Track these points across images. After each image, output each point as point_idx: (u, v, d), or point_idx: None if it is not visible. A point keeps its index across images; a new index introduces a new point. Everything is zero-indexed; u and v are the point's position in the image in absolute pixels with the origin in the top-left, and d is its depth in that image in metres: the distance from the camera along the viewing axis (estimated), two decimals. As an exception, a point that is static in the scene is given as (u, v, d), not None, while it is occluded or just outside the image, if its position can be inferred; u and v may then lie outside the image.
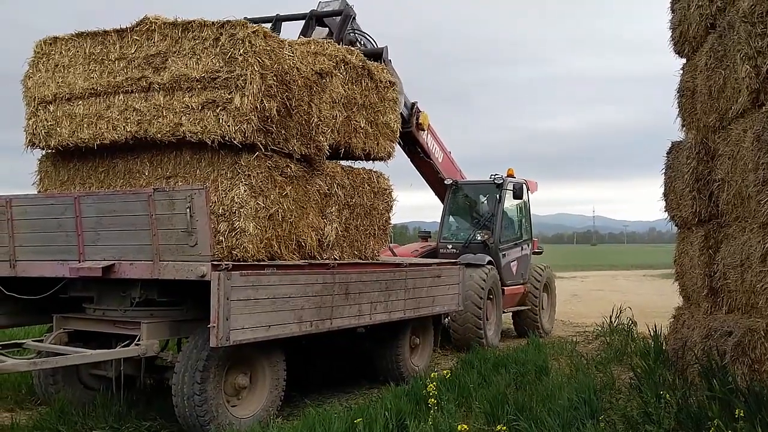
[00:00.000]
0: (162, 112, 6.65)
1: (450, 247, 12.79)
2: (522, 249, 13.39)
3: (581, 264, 50.18)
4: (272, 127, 6.62)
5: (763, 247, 5.78)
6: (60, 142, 7.20)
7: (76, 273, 6.46)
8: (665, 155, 8.26)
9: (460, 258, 11.40)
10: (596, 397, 6.56)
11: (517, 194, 12.84)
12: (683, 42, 8.01)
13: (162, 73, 6.68)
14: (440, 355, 11.01)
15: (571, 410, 6.08)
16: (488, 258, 11.98)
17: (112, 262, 6.27)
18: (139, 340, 6.25)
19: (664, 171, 8.28)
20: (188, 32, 6.63)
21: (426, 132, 12.24)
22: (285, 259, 6.85)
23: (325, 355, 9.21)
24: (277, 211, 6.75)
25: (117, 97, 6.91)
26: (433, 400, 6.28)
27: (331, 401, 7.82)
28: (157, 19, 6.81)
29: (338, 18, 9.72)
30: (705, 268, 7.19)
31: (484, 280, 11.42)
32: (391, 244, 11.29)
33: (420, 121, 11.87)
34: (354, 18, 9.86)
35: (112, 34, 7.02)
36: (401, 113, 10.02)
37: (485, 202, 13.49)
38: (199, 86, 6.50)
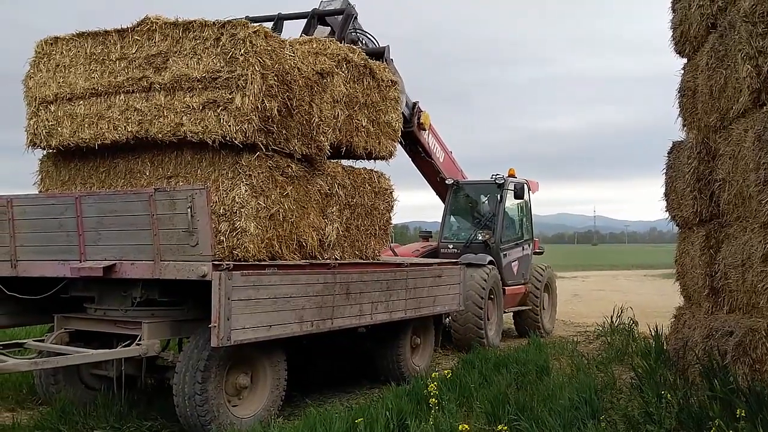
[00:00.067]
0: (163, 112, 6.66)
1: (451, 246, 12.79)
2: (523, 249, 13.39)
3: (582, 264, 50.15)
4: (273, 127, 6.63)
5: (764, 247, 5.78)
6: (61, 142, 7.21)
7: (77, 273, 6.46)
8: (666, 155, 8.26)
9: (461, 258, 11.39)
10: (597, 397, 6.56)
11: (518, 194, 12.85)
12: (684, 42, 8.00)
13: (163, 73, 6.68)
14: (441, 355, 11.01)
15: (572, 410, 6.08)
16: (489, 258, 11.98)
17: (113, 261, 6.27)
18: (140, 339, 6.25)
19: (664, 171, 8.28)
20: (189, 32, 6.63)
21: (427, 132, 12.24)
22: (286, 259, 6.85)
23: (326, 355, 9.22)
24: (278, 210, 6.76)
25: (118, 97, 6.92)
26: (434, 399, 6.28)
27: (332, 401, 7.82)
28: (158, 19, 6.81)
29: (340, 17, 9.73)
30: (706, 268, 7.19)
31: (485, 280, 11.42)
32: (392, 244, 11.30)
33: (421, 121, 11.88)
34: (356, 17, 9.87)
35: (113, 34, 7.02)
36: (403, 113, 10.02)
37: (486, 202, 13.49)
38: (200, 86, 6.50)
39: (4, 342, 7.14)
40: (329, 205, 7.61)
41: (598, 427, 5.64)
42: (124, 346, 6.31)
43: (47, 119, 7.27)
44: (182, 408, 6.08)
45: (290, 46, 7.05)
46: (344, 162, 8.39)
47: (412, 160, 12.78)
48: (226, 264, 5.86)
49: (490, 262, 11.91)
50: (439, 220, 13.41)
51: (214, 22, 6.55)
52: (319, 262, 7.24)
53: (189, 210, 5.80)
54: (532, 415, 6.07)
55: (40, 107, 7.33)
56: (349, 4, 9.85)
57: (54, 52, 7.35)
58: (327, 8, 9.86)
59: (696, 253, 7.42)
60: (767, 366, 5.76)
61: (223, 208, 6.46)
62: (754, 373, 5.79)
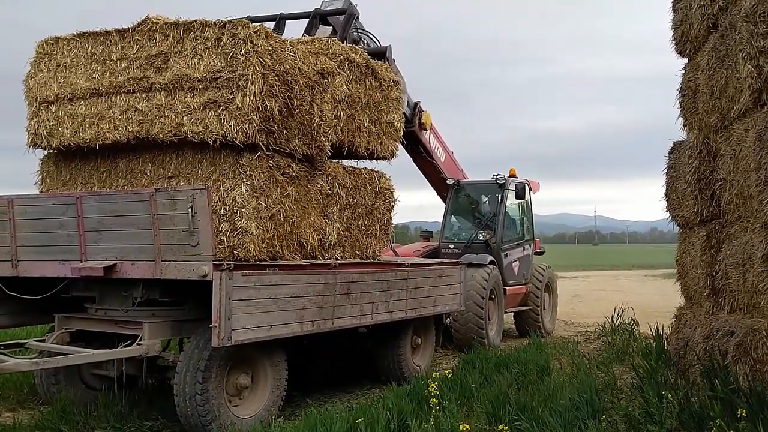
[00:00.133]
0: (164, 112, 6.66)
1: (452, 246, 12.79)
2: (524, 249, 13.39)
3: (583, 264, 50.13)
4: (274, 127, 6.63)
5: (765, 247, 5.78)
6: (62, 142, 7.21)
7: (77, 273, 6.46)
8: (667, 155, 8.26)
9: (462, 258, 11.40)
10: (598, 397, 6.55)
11: (519, 194, 12.85)
12: (685, 42, 8.00)
13: (164, 73, 6.68)
14: (442, 355, 11.01)
15: (573, 410, 6.08)
16: (490, 258, 11.98)
17: (114, 261, 6.28)
18: (140, 339, 6.26)
19: (665, 171, 8.28)
20: (190, 32, 6.63)
21: (428, 132, 12.24)
22: (287, 259, 6.85)
23: (326, 355, 9.22)
24: (279, 211, 6.76)
25: (119, 97, 6.92)
26: (434, 399, 6.28)
27: (332, 401, 7.82)
28: (158, 20, 6.81)
29: (342, 17, 9.73)
30: (707, 268, 7.19)
31: (486, 280, 11.42)
32: (392, 244, 11.30)
33: (422, 121, 11.87)
34: (357, 17, 9.87)
35: (114, 34, 7.03)
36: (404, 113, 10.02)
37: (487, 202, 13.49)
38: (200, 86, 6.51)
39: (5, 342, 7.14)
40: (330, 205, 7.62)
41: (599, 427, 5.64)
42: (125, 346, 6.32)
43: (48, 119, 7.28)
44: (183, 408, 6.08)
45: (291, 46, 7.05)
46: (345, 162, 8.39)
47: (413, 160, 12.78)
48: (227, 264, 5.86)
49: (491, 262, 11.91)
50: (440, 220, 13.42)
51: (214, 22, 6.55)
52: (319, 262, 7.24)
53: (190, 210, 5.80)
54: (532, 415, 6.07)
55: (41, 107, 7.34)
56: (351, 3, 9.85)
57: (55, 52, 7.35)
58: (329, 8, 9.87)
59: (697, 253, 7.42)
60: (768, 366, 5.76)
61: (224, 208, 6.47)
62: (755, 373, 5.79)
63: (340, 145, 7.89)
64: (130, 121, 6.82)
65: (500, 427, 5.48)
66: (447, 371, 7.89)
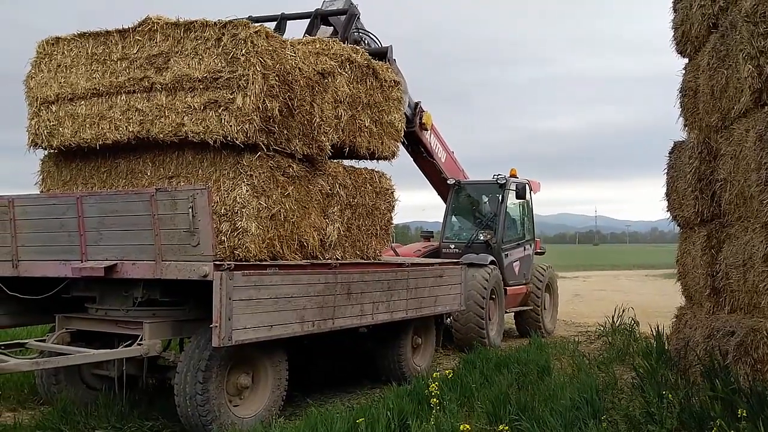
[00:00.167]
0: (164, 112, 6.66)
1: (452, 246, 12.79)
2: (524, 249, 13.39)
3: (583, 264, 50.13)
4: (274, 127, 6.63)
5: (765, 247, 5.78)
6: (62, 142, 7.21)
7: (78, 273, 6.47)
8: (667, 155, 8.26)
9: (463, 258, 11.40)
10: (598, 397, 6.55)
11: (520, 194, 12.85)
12: (685, 42, 8.00)
13: (164, 74, 6.68)
14: (442, 355, 11.01)
15: (574, 410, 6.08)
16: (491, 258, 11.98)
17: (115, 262, 6.28)
18: (141, 339, 6.26)
19: (666, 171, 8.28)
20: (190, 32, 6.63)
21: (429, 132, 12.24)
22: (287, 259, 6.85)
23: (327, 355, 9.22)
24: (279, 211, 6.76)
25: (119, 97, 6.92)
26: (435, 399, 6.28)
27: (333, 401, 7.82)
28: (159, 20, 6.81)
29: (343, 17, 9.73)
30: (707, 268, 7.19)
31: (487, 280, 11.42)
32: (393, 244, 11.30)
33: (423, 121, 11.88)
34: (358, 17, 9.88)
35: (115, 34, 7.03)
36: (405, 113, 10.03)
37: (488, 202, 13.49)
38: (201, 86, 6.51)
39: (6, 342, 7.15)
40: (330, 205, 7.62)
41: (600, 428, 5.63)
42: (126, 346, 6.32)
43: (48, 119, 7.28)
44: (183, 408, 6.09)
45: (291, 46, 7.05)
46: (345, 162, 8.40)
47: (414, 160, 12.78)
48: (228, 264, 5.86)
49: (492, 262, 11.91)
50: (441, 220, 13.41)
51: (215, 23, 6.55)
52: (320, 262, 7.24)
53: (190, 210, 5.80)
54: (533, 415, 6.07)
55: (42, 107, 7.34)
56: (352, 4, 9.86)
57: (55, 53, 7.36)
58: (330, 8, 9.87)
59: (697, 253, 7.42)
60: (769, 366, 5.76)
61: (225, 208, 6.47)
62: (755, 373, 5.78)
63: (341, 146, 7.89)
64: (130, 121, 6.82)
65: (501, 427, 5.48)
66: (447, 371, 7.89)
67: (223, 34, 6.47)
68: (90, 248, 6.45)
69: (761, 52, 5.81)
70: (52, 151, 7.58)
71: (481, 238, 12.60)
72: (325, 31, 9.67)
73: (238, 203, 6.44)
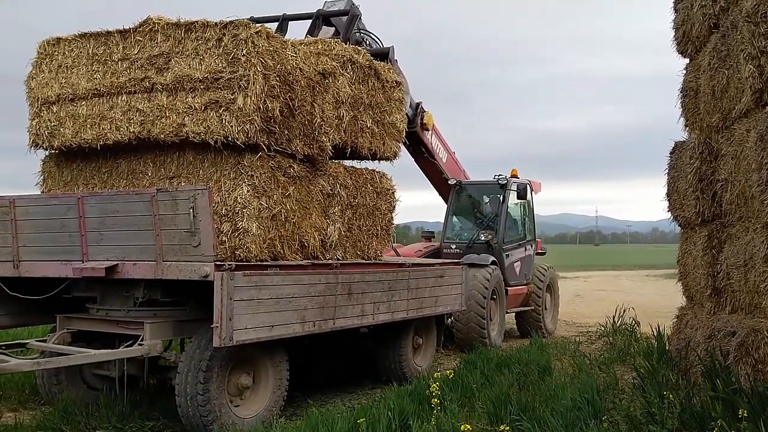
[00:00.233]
0: (165, 113, 6.66)
1: (453, 247, 12.78)
2: (525, 249, 13.38)
3: (584, 264, 50.10)
4: (275, 128, 6.63)
5: (766, 248, 5.78)
6: (63, 143, 7.22)
7: (79, 273, 6.47)
8: (668, 155, 8.26)
9: (464, 258, 11.40)
10: (599, 398, 6.55)
11: (521, 194, 12.84)
12: (686, 42, 8.00)
13: (165, 74, 6.69)
14: (443, 355, 11.01)
15: (574, 410, 6.08)
16: (492, 258, 11.98)
17: (116, 262, 6.28)
18: (142, 340, 6.26)
19: (667, 171, 8.28)
20: (191, 33, 6.64)
21: (430, 132, 12.24)
22: (288, 260, 6.85)
23: (328, 355, 9.22)
24: (280, 211, 6.76)
25: (120, 97, 6.93)
26: (436, 400, 6.28)
27: (334, 401, 7.82)
28: (159, 20, 6.82)
29: (345, 17, 9.74)
30: (708, 268, 7.18)
31: (488, 280, 11.42)
32: (394, 244, 11.29)
33: (424, 121, 11.88)
34: (360, 18, 9.88)
35: (115, 34, 7.03)
36: (406, 113, 10.04)
37: (489, 202, 13.49)
38: (202, 87, 6.51)
39: (7, 342, 7.15)
40: (331, 206, 7.62)
41: (600, 428, 5.63)
42: (127, 347, 6.33)
43: (49, 120, 7.28)
44: (184, 408, 6.09)
45: (292, 46, 7.05)
46: (346, 162, 8.40)
47: (415, 161, 12.78)
48: (228, 264, 5.86)
49: (493, 263, 11.91)
50: (442, 221, 13.41)
51: (216, 23, 6.56)
52: (321, 262, 7.24)
53: (191, 210, 5.81)
54: (534, 416, 6.07)
55: (43, 108, 7.35)
56: (354, 4, 9.86)
57: (56, 53, 7.36)
58: (331, 9, 9.88)
59: (698, 254, 7.41)
60: (770, 366, 5.75)
61: (225, 209, 6.47)
62: (756, 374, 5.78)
63: (343, 146, 7.90)
64: (131, 121, 6.83)
65: (501, 427, 5.47)
66: (448, 371, 7.89)
67: (224, 35, 6.48)
68: (91, 248, 6.45)
69: (762, 52, 5.81)
70: (53, 151, 7.58)
71: (482, 238, 12.59)
72: (326, 31, 9.68)
73: (239, 203, 6.45)
